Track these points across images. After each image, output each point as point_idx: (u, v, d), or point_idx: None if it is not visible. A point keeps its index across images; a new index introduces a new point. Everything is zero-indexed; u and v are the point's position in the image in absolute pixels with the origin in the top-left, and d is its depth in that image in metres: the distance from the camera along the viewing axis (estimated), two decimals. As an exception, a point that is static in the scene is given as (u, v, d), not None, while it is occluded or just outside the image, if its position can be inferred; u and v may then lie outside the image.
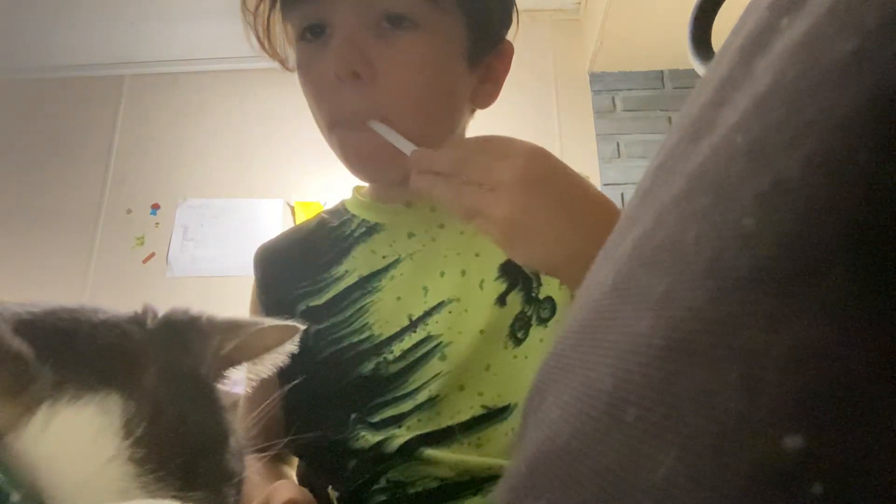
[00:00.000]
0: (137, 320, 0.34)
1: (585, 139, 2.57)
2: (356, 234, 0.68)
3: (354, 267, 0.66)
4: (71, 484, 0.26)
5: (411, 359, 0.60)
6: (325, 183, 2.61)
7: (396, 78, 0.55)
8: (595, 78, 2.64)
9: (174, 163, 2.75)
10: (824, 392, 0.11)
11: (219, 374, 0.35)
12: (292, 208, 2.65)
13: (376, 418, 0.59)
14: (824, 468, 0.11)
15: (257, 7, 0.62)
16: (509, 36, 0.66)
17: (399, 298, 0.62)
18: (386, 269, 0.65)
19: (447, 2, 0.56)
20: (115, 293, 2.54)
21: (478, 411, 0.57)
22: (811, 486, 0.11)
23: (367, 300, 0.64)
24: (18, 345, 0.28)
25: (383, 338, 0.61)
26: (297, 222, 2.91)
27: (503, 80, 0.65)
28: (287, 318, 0.67)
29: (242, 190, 2.68)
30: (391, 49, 0.55)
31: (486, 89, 0.64)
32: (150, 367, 0.31)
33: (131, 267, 2.60)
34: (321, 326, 0.64)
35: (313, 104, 0.61)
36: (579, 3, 2.69)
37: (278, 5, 0.60)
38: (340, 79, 0.55)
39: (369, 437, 0.57)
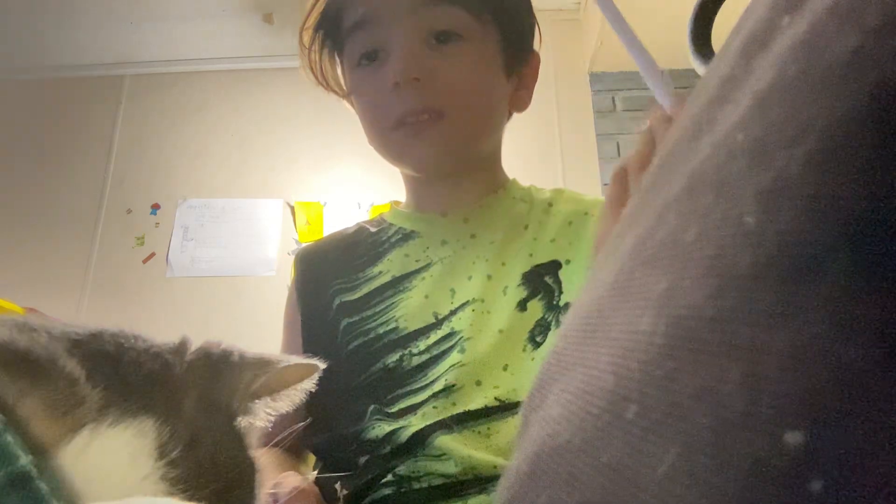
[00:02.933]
0: (178, 351, 0.35)
1: (585, 139, 2.57)
2: (392, 240, 0.73)
3: (388, 268, 0.71)
4: (106, 500, 0.26)
5: (434, 352, 0.63)
6: (325, 183, 2.61)
7: (451, 78, 0.63)
8: (595, 78, 2.64)
9: (174, 163, 2.75)
10: (825, 388, 0.11)
11: (246, 409, 0.37)
12: (292, 208, 2.64)
13: (394, 408, 0.61)
14: (824, 464, 0.11)
15: (311, 46, 0.71)
16: None
17: (427, 297, 0.66)
18: (418, 271, 0.69)
19: (486, 17, 0.65)
20: (115, 293, 2.54)
21: (491, 402, 0.59)
22: (811, 483, 0.11)
23: (398, 297, 0.68)
24: (72, 366, 0.28)
25: (408, 331, 0.65)
26: (297, 222, 2.90)
27: (533, 87, 0.73)
28: (324, 315, 0.70)
29: (242, 190, 2.68)
30: (443, 57, 0.63)
31: (520, 95, 0.72)
32: (188, 398, 0.32)
33: (131, 267, 2.60)
34: (351, 320, 0.68)
35: (370, 114, 0.68)
36: (579, 3, 2.69)
37: (334, 40, 0.70)
38: (401, 85, 0.62)
39: (384, 426, 0.59)
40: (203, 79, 2.87)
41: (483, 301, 0.64)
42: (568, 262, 0.67)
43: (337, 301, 0.70)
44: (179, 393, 0.32)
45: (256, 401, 0.37)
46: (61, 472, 0.26)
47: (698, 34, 0.84)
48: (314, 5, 0.70)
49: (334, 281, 0.72)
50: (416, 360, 0.63)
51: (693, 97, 0.18)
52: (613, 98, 2.61)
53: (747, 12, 0.17)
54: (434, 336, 0.64)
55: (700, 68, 0.79)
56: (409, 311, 0.66)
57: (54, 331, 0.30)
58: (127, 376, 0.31)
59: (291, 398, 0.39)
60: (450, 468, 0.56)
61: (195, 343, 0.37)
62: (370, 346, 0.65)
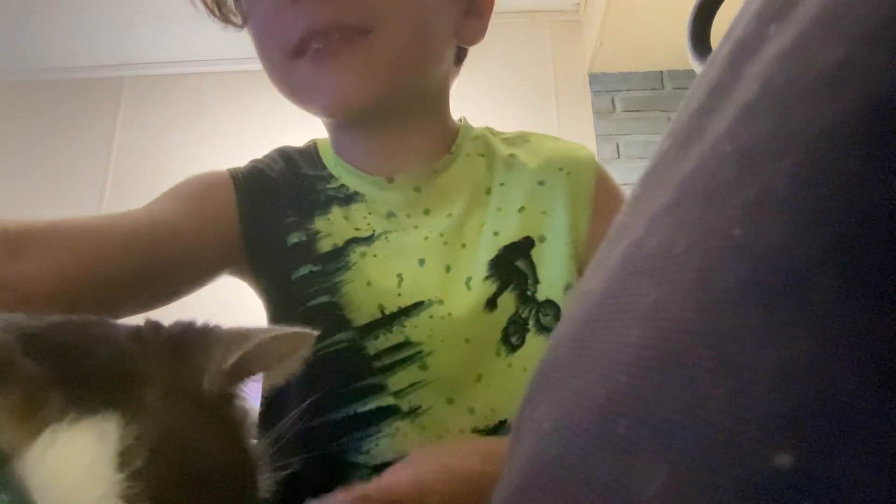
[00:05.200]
0: (137, 336, 0.32)
1: (585, 140, 2.56)
2: (331, 195, 0.59)
3: (330, 231, 0.57)
4: None
5: (386, 361, 0.53)
6: (324, 184, 2.61)
7: None
8: (594, 79, 2.64)
9: (174, 164, 2.75)
10: (813, 408, 0.11)
11: (227, 389, 0.32)
12: (292, 210, 2.65)
13: (362, 408, 0.52)
14: (814, 487, 0.10)
15: None
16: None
17: (369, 283, 0.55)
18: (358, 242, 0.57)
19: None
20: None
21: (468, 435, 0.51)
22: (801, 506, 0.10)
23: (339, 278, 0.55)
24: (31, 366, 0.26)
25: (355, 325, 0.54)
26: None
27: (488, 17, 0.59)
28: (275, 247, 0.56)
29: (242, 192, 2.68)
30: None
31: (471, 25, 0.58)
32: (151, 387, 0.29)
33: (131, 269, 2.61)
34: (312, 269, 0.56)
35: (264, 38, 0.55)
36: (579, 3, 2.69)
37: None
38: None
39: (374, 453, 0.51)
40: (203, 80, 2.87)
41: (442, 302, 0.54)
42: (542, 238, 0.57)
43: (291, 238, 0.57)
44: (142, 383, 0.29)
45: (247, 379, 0.33)
46: (21, 482, 0.24)
47: (697, 34, 0.84)
48: None
49: (286, 214, 0.58)
50: (371, 363, 0.53)
51: (684, 104, 0.18)
52: (613, 99, 2.61)
53: (736, 20, 0.16)
54: (384, 340, 0.53)
55: (699, 69, 0.79)
56: (352, 300, 0.54)
57: (9, 327, 0.28)
58: (81, 366, 0.28)
59: (289, 370, 0.35)
60: None
61: (165, 324, 0.33)
62: (333, 311, 0.54)
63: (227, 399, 0.33)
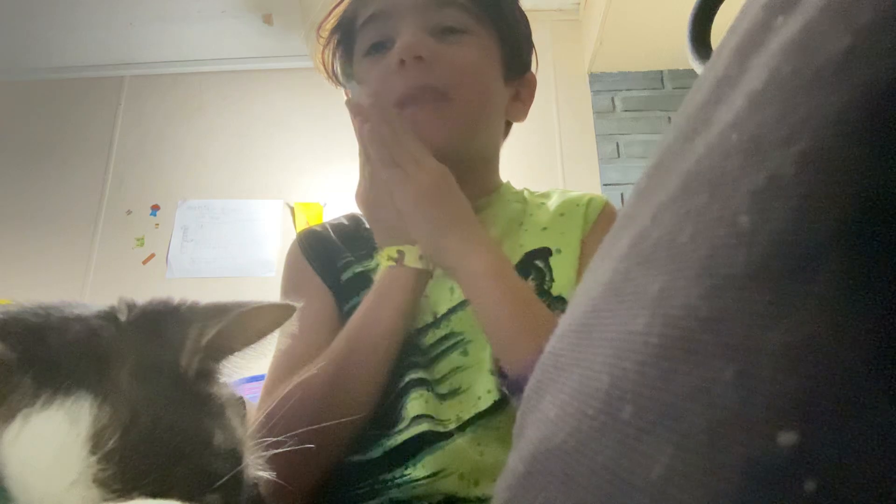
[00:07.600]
0: (109, 315, 0.31)
1: (585, 139, 2.56)
2: None
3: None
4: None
5: (432, 353, 0.64)
6: (324, 183, 2.61)
7: (454, 61, 0.67)
8: (595, 78, 2.64)
9: (174, 164, 2.75)
10: (818, 388, 0.11)
11: (206, 365, 0.31)
12: (292, 209, 2.64)
13: (402, 381, 0.62)
14: (818, 464, 0.11)
15: (326, 45, 0.75)
16: None
17: (426, 296, 0.67)
18: None
19: (487, 21, 0.70)
20: (115, 294, 2.52)
21: (498, 395, 0.59)
22: (805, 483, 0.11)
23: None
24: (0, 351, 0.26)
25: (408, 333, 0.64)
26: (297, 223, 2.86)
27: (530, 104, 0.77)
28: (335, 287, 0.69)
29: (242, 191, 2.68)
30: (447, 44, 0.67)
31: (517, 106, 0.76)
32: (123, 366, 0.28)
33: (131, 268, 2.60)
34: (354, 302, 0.67)
35: (373, 97, 0.70)
36: (579, 3, 2.69)
37: (347, 38, 0.74)
38: (405, 62, 0.65)
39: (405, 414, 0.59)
40: (203, 80, 2.87)
41: None
42: (559, 250, 0.68)
43: (346, 274, 0.70)
44: (112, 361, 0.28)
45: (230, 356, 0.32)
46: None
47: (697, 34, 0.84)
48: (334, 7, 0.73)
49: (341, 258, 0.71)
50: (422, 353, 0.64)
51: (689, 97, 0.18)
52: (613, 98, 2.61)
53: (742, 13, 0.17)
54: (432, 335, 0.64)
55: (699, 68, 0.79)
56: None
57: None
58: (52, 348, 0.27)
59: (274, 344, 0.34)
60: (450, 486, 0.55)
61: (139, 303, 0.32)
62: None
63: (206, 376, 0.31)
